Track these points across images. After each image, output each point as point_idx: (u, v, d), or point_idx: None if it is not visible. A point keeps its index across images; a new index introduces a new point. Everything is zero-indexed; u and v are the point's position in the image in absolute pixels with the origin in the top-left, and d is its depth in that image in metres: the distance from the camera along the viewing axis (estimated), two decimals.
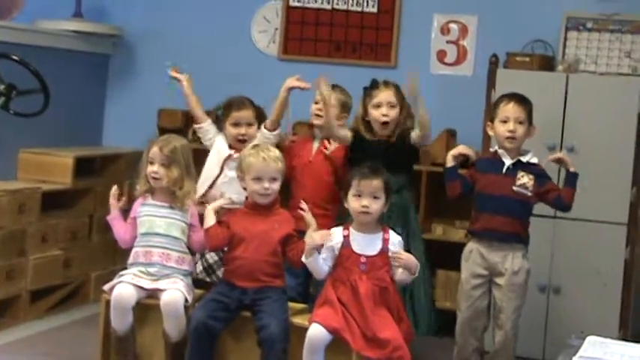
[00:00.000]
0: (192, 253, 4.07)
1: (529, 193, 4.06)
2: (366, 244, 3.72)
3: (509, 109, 4.10)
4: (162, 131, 5.11)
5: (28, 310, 4.83)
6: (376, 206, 3.71)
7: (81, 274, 5.21)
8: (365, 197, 3.70)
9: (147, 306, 3.86)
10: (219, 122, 4.47)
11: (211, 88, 4.92)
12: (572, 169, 4.09)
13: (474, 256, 4.13)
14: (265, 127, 4.41)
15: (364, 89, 4.38)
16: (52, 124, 5.19)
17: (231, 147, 4.39)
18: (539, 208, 4.27)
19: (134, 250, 3.97)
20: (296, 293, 4.24)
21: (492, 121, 4.17)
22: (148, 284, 3.85)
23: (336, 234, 3.76)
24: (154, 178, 3.96)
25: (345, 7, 5.48)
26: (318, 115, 4.48)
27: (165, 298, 3.79)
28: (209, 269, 4.26)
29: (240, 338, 3.81)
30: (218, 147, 4.43)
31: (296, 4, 5.57)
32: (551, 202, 4.14)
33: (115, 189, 4.04)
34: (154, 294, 3.84)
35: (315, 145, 4.51)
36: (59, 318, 4.96)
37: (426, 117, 4.17)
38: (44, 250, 4.91)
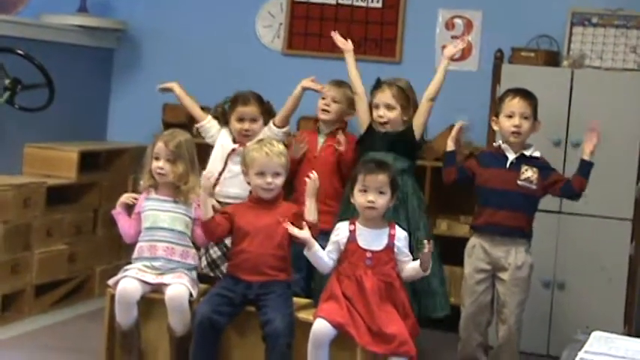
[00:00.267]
0: (197, 247, 4.07)
1: (534, 187, 4.06)
2: (372, 240, 3.72)
3: (515, 104, 4.10)
4: (167, 126, 5.10)
5: (33, 304, 4.83)
6: (382, 201, 3.70)
7: (86, 269, 5.21)
8: (371, 192, 3.70)
9: (151, 300, 3.86)
10: (225, 115, 4.47)
11: (215, 82, 4.92)
12: (586, 158, 4.04)
13: (477, 251, 4.13)
14: (274, 124, 4.41)
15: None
16: (56, 118, 5.18)
17: (235, 141, 4.40)
18: (544, 203, 4.26)
19: (138, 244, 3.98)
20: (299, 287, 4.24)
21: (497, 116, 4.18)
22: (153, 279, 3.85)
23: (343, 229, 3.76)
24: (160, 174, 3.96)
25: (349, 2, 5.46)
26: (324, 110, 4.48)
27: (169, 293, 3.80)
28: (213, 264, 4.26)
29: (244, 333, 3.81)
30: (222, 141, 4.44)
31: None
32: (559, 192, 4.12)
33: (131, 196, 4.05)
34: (158, 288, 3.84)
35: (321, 140, 4.51)
36: (64, 312, 4.96)
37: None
38: (49, 244, 4.92)
